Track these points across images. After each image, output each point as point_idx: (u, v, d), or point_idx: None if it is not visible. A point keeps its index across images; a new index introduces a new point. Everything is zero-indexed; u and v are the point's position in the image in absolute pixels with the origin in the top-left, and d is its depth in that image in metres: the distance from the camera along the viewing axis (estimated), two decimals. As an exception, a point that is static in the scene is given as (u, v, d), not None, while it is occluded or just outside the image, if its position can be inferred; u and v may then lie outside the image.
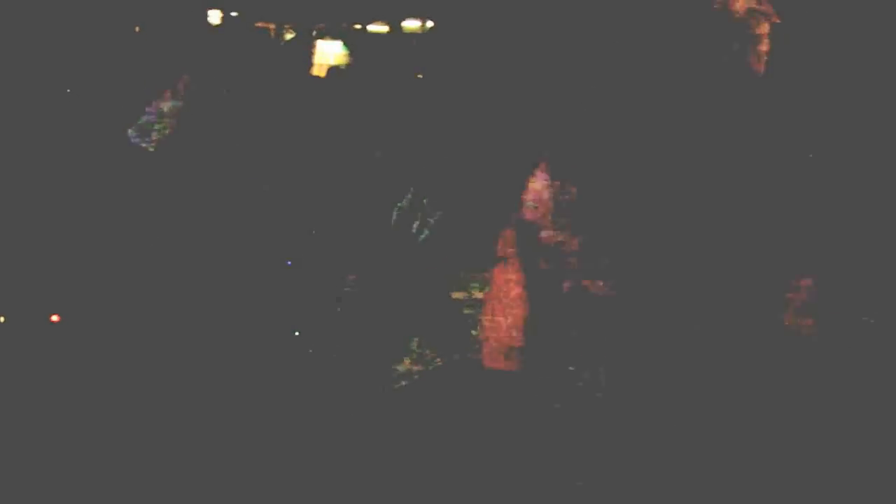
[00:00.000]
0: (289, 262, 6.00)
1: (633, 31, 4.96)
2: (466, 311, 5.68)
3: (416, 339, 5.65)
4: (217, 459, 5.14)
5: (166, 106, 6.17)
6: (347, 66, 6.84)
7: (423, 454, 5.11)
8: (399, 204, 6.07)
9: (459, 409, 5.25)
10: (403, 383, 5.49)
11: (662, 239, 4.80)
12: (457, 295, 5.77)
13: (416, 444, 5.17)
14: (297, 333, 5.74)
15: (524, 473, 4.83)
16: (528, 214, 5.03)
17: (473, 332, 5.48)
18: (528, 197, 4.97)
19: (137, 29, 6.45)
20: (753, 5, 4.65)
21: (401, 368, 5.56)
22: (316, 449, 5.20)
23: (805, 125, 4.77)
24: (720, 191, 4.72)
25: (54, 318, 5.59)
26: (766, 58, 4.79)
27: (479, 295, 5.56)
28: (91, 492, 4.95)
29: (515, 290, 5.06)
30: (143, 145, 6.06)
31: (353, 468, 5.08)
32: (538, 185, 5.11)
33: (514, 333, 5.09)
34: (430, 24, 6.48)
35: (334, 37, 6.90)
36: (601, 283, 4.80)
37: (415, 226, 6.00)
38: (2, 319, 5.61)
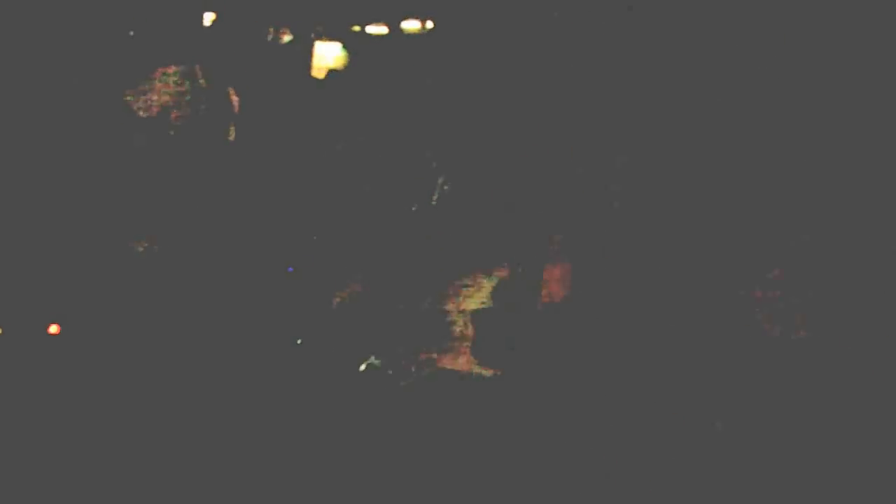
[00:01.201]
0: (290, 269, 5.98)
1: (632, 29, 4.96)
2: (460, 317, 5.69)
3: (413, 343, 5.66)
4: (219, 461, 5.15)
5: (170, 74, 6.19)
6: (346, 67, 6.81)
7: (423, 454, 5.13)
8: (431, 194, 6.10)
9: (457, 410, 5.26)
10: (403, 384, 5.51)
11: (656, 241, 4.81)
12: (453, 300, 5.77)
13: (415, 443, 5.19)
14: (299, 342, 5.73)
15: (523, 473, 4.84)
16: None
17: (465, 334, 5.49)
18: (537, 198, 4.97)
19: (132, 33, 6.44)
20: None
21: (400, 369, 5.57)
22: (316, 449, 5.21)
23: (796, 125, 4.77)
24: (718, 192, 4.74)
25: (53, 328, 5.55)
26: None
27: (473, 300, 5.56)
28: (102, 494, 4.97)
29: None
30: (139, 111, 6.08)
31: (353, 467, 5.10)
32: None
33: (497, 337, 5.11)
34: (429, 24, 6.45)
35: (333, 39, 6.87)
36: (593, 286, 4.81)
37: (433, 196, 6.04)
38: (0, 331, 5.58)
